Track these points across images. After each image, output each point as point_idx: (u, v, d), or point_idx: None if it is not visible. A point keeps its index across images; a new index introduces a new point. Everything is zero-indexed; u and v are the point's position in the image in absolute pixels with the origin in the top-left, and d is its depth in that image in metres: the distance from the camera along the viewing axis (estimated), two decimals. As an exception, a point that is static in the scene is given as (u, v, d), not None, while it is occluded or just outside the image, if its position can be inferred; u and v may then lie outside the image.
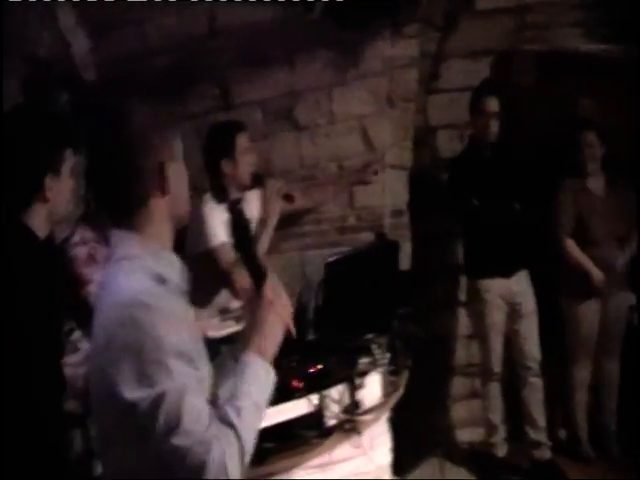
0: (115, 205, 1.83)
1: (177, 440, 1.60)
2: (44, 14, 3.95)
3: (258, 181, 3.77)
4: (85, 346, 2.77)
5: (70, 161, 2.42)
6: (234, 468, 1.65)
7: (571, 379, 4.72)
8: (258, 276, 1.94)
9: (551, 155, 4.86)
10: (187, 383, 1.63)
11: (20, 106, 2.65)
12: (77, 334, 2.89)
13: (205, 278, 3.55)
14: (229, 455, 1.64)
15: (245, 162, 3.73)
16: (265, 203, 3.70)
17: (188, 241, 3.62)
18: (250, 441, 1.70)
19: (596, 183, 4.63)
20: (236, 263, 3.48)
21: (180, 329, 1.67)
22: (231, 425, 1.68)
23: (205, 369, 1.77)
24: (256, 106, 4.44)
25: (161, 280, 1.74)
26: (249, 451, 1.70)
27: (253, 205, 3.86)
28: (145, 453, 1.65)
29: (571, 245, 4.52)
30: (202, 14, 4.42)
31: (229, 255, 3.57)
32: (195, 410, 1.63)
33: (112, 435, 1.72)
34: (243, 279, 3.45)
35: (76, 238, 3.11)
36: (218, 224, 3.63)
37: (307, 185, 4.37)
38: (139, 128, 1.79)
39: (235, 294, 3.58)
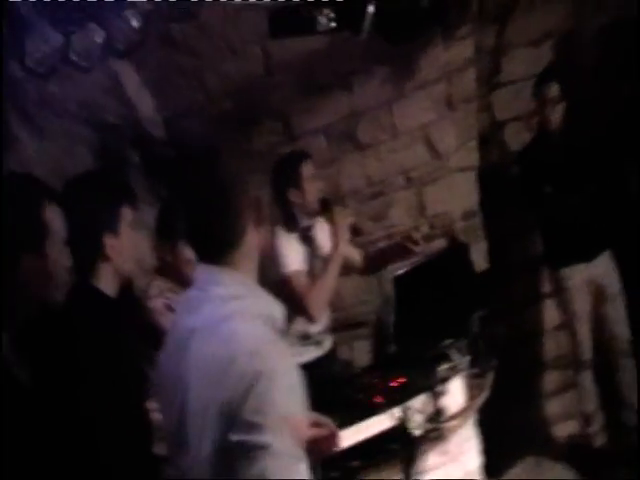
0: (211, 243, 1.83)
1: None
2: (108, 79, 4.15)
3: (326, 206, 3.82)
4: None
5: (128, 217, 2.46)
6: None
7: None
8: None
9: (620, 133, 4.77)
10: (289, 452, 1.63)
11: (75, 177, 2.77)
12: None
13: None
14: None
15: (312, 189, 3.78)
16: (334, 234, 3.70)
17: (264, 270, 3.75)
18: None
19: None
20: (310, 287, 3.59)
21: (296, 384, 1.69)
22: None
23: None
24: (319, 133, 4.60)
25: (271, 320, 1.76)
26: None
27: (324, 232, 3.93)
28: None
29: None
30: (257, 53, 4.62)
31: (303, 281, 3.65)
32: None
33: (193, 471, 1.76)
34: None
35: (153, 290, 3.34)
36: (291, 252, 3.71)
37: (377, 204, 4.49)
38: (230, 166, 1.89)
39: (311, 319, 3.65)
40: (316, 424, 2.19)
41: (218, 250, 1.81)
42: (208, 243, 1.84)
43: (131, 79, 4.34)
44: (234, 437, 1.61)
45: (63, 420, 2.24)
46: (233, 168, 1.87)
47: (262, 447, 1.59)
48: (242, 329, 1.71)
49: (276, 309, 1.81)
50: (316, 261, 3.81)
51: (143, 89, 4.40)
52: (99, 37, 3.03)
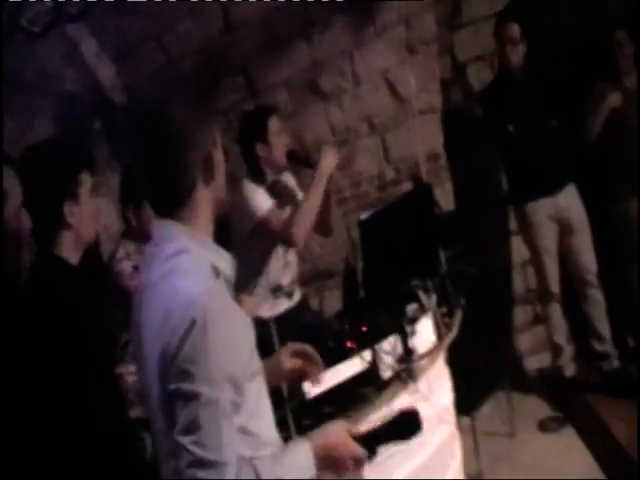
0: (163, 199, 1.87)
1: (191, 445, 1.64)
2: (66, 48, 4.13)
3: (293, 157, 3.85)
4: None
5: (88, 184, 2.43)
6: None
7: (632, 283, 4.70)
8: None
9: (585, 60, 4.78)
10: (221, 404, 1.66)
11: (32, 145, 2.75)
12: (134, 344, 3.16)
13: (256, 256, 3.77)
14: None
15: (279, 143, 3.79)
16: (322, 159, 3.71)
17: (234, 225, 3.76)
18: None
19: (631, 81, 4.54)
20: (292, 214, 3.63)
21: (236, 334, 1.73)
22: (256, 472, 1.72)
23: (255, 380, 1.82)
24: (281, 87, 4.61)
25: (217, 272, 1.80)
26: None
27: (292, 185, 3.97)
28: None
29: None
30: (216, 10, 4.60)
31: (280, 215, 3.67)
32: (219, 429, 1.66)
33: (154, 419, 1.80)
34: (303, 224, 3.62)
35: (120, 253, 3.38)
36: (260, 198, 3.72)
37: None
38: (183, 122, 1.83)
39: (294, 244, 3.66)
40: (301, 354, 2.30)
41: (170, 205, 1.85)
42: (161, 199, 1.88)
43: (89, 45, 4.32)
44: (171, 386, 1.67)
45: (34, 391, 2.25)
46: (182, 123, 1.84)
47: (193, 395, 1.64)
48: (180, 282, 1.74)
49: (222, 260, 1.85)
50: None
51: (102, 55, 4.39)
52: (50, 1, 3.01)
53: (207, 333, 1.65)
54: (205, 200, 1.86)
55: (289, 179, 3.98)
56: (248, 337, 1.81)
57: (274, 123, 3.81)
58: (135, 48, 4.51)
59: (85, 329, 2.40)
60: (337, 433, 1.95)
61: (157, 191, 1.88)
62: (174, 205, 1.84)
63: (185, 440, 1.64)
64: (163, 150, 1.83)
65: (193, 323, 1.66)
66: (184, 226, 1.83)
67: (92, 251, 2.79)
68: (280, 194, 3.86)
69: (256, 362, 1.83)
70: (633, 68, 4.52)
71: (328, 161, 3.70)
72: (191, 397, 1.64)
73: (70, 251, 2.44)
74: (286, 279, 3.81)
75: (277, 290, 3.74)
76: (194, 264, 1.78)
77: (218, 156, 1.88)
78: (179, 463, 1.66)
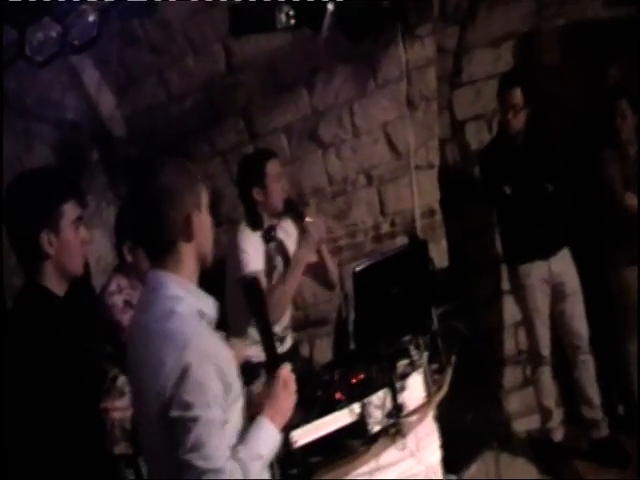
0: (149, 248, 2.15)
1: (197, 460, 1.94)
2: (68, 76, 4.12)
3: (291, 206, 3.83)
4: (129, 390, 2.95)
5: (72, 215, 2.41)
6: None
7: (624, 351, 4.70)
8: (273, 358, 2.35)
9: (587, 128, 4.84)
10: (217, 420, 1.98)
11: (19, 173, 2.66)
12: (122, 379, 3.07)
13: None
14: None
15: (276, 188, 3.78)
16: (301, 239, 3.71)
17: (227, 269, 3.75)
18: None
19: (633, 150, 4.59)
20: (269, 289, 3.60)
21: (222, 366, 2.01)
22: (243, 464, 2.02)
23: (237, 404, 2.10)
24: (280, 132, 4.61)
25: (201, 316, 2.07)
26: None
27: (290, 231, 3.93)
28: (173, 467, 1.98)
29: (630, 196, 4.48)
30: (219, 51, 4.61)
31: (262, 281, 3.59)
32: (216, 442, 1.97)
33: (151, 446, 2.10)
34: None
35: (112, 287, 3.34)
36: (252, 252, 3.70)
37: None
38: (167, 182, 2.07)
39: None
40: None
41: (158, 255, 2.11)
42: (149, 247, 2.15)
43: (91, 75, 4.32)
44: (173, 413, 1.95)
45: (17, 422, 2.25)
46: (168, 184, 2.05)
47: (194, 420, 1.94)
48: (174, 326, 2.00)
49: (208, 305, 2.12)
50: (278, 261, 3.81)
51: (103, 86, 4.39)
52: (54, 31, 2.99)
53: (200, 371, 1.95)
54: (188, 254, 2.10)
55: (288, 224, 3.94)
56: (232, 367, 2.08)
57: (272, 167, 3.80)
58: (137, 82, 4.51)
59: (69, 360, 2.37)
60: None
61: (144, 239, 2.17)
62: (160, 254, 2.10)
63: (192, 457, 1.94)
64: (148, 205, 2.07)
65: (188, 365, 1.94)
66: (173, 274, 2.08)
67: (82, 282, 2.75)
68: (274, 241, 3.82)
69: (238, 388, 2.11)
70: (635, 138, 4.57)
71: (305, 250, 3.68)
72: (192, 420, 1.94)
73: (54, 281, 2.42)
74: (277, 326, 3.75)
75: None
76: (184, 310, 2.03)
77: (202, 218, 2.11)
78: (185, 477, 1.95)
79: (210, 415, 1.95)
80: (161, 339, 1.99)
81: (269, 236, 3.80)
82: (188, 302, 2.05)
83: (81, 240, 2.45)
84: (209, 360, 1.97)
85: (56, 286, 2.42)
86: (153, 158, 2.17)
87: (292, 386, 2.27)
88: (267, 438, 2.14)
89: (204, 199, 2.14)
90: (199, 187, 2.14)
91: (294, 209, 3.81)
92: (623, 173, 4.52)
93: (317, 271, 3.92)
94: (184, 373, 1.94)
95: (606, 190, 4.55)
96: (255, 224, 3.78)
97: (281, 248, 3.88)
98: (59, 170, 3.31)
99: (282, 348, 3.77)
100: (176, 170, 2.11)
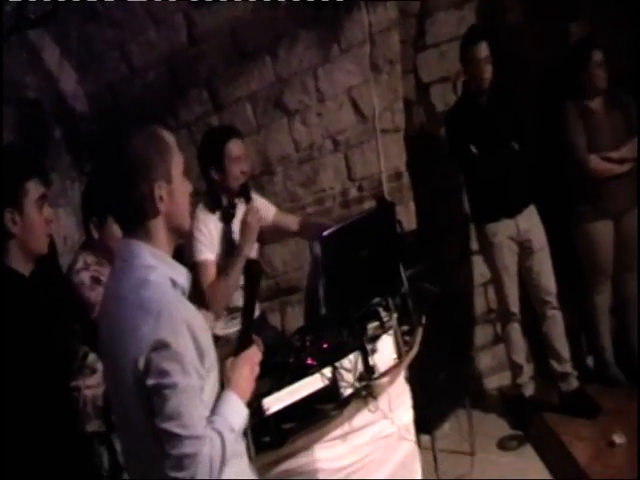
0: (121, 220, 2.14)
1: (176, 428, 1.93)
2: (28, 54, 4.07)
3: (245, 192, 3.74)
4: (101, 367, 2.89)
5: (35, 193, 2.40)
6: (215, 469, 1.99)
7: (592, 303, 4.78)
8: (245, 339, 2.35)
9: (552, 83, 4.85)
10: (194, 387, 1.98)
11: None
12: (92, 357, 3.09)
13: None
14: (214, 455, 1.98)
15: (234, 170, 3.68)
16: (240, 233, 3.65)
17: (185, 250, 3.60)
18: (226, 453, 2.03)
19: (597, 102, 4.63)
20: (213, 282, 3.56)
21: (199, 332, 2.00)
22: (219, 433, 2.02)
23: (212, 373, 2.10)
24: (245, 101, 4.59)
25: (175, 284, 2.06)
26: (225, 461, 2.03)
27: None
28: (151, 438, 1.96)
29: (594, 159, 4.52)
30: (180, 22, 4.57)
31: (211, 272, 3.59)
32: (195, 409, 1.97)
33: (127, 419, 2.06)
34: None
35: (79, 264, 3.32)
36: (204, 238, 3.62)
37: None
38: (131, 154, 2.04)
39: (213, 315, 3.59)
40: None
41: (131, 225, 2.09)
42: (122, 218, 2.13)
43: (51, 52, 4.27)
44: (149, 381, 1.94)
45: None
46: (131, 157, 2.02)
47: (172, 386, 1.93)
48: (148, 295, 1.99)
49: (179, 275, 2.10)
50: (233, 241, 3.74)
51: (64, 62, 4.34)
52: (9, 6, 2.96)
53: (175, 338, 1.94)
54: (158, 225, 2.09)
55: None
56: (206, 336, 2.07)
57: (232, 148, 3.69)
58: (98, 57, 4.46)
59: (37, 340, 2.37)
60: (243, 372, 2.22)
61: (116, 212, 2.15)
62: (133, 225, 2.08)
63: (171, 425, 1.93)
64: (113, 178, 2.06)
65: (163, 333, 1.94)
66: (145, 244, 2.07)
67: (49, 261, 2.74)
68: (231, 221, 3.76)
69: (213, 357, 2.09)
70: (603, 90, 4.58)
71: (244, 240, 3.62)
72: (170, 388, 1.93)
73: (19, 261, 2.40)
74: (242, 300, 3.73)
75: (233, 311, 3.68)
76: (158, 278, 2.02)
77: (173, 188, 2.08)
78: (165, 446, 1.93)
79: (187, 382, 1.95)
80: (136, 308, 1.98)
81: (228, 214, 3.73)
82: (161, 271, 2.04)
83: (45, 219, 2.44)
84: (184, 327, 1.96)
85: (22, 266, 2.41)
86: (122, 129, 2.15)
87: (255, 369, 2.26)
88: (236, 412, 2.13)
89: (176, 169, 2.09)
90: (168, 157, 2.08)
91: (245, 194, 3.74)
92: (589, 131, 4.55)
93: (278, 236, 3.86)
94: (159, 341, 1.93)
95: (569, 151, 4.58)
96: (213, 204, 3.71)
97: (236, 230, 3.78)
98: (21, 149, 3.28)
99: None
100: (142, 141, 2.06)
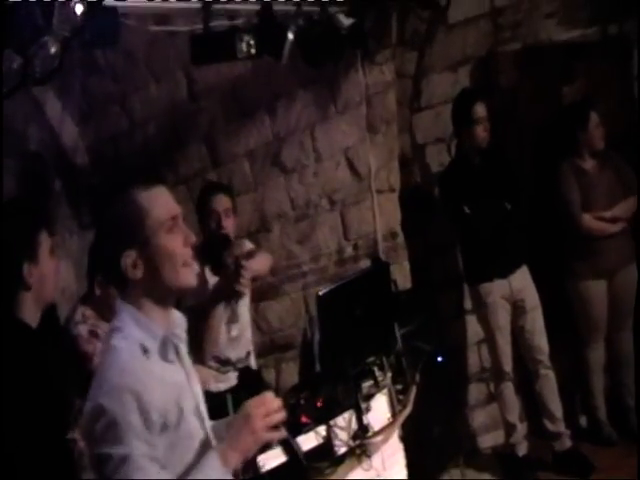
0: (108, 278, 2.12)
1: None
2: (30, 107, 4.13)
3: (225, 245, 3.72)
4: None
5: (47, 244, 2.44)
6: None
7: (586, 362, 4.80)
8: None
9: (547, 144, 4.95)
10: (135, 457, 1.84)
11: None
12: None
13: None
14: None
15: (226, 222, 3.75)
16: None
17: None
18: None
19: (591, 163, 4.71)
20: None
21: (152, 401, 1.89)
22: None
23: (188, 429, 1.99)
24: (243, 158, 4.66)
25: (144, 350, 1.95)
26: None
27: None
28: None
29: (588, 218, 4.59)
30: (181, 78, 4.66)
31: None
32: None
33: None
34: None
35: (77, 317, 3.35)
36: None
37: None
38: (113, 214, 2.01)
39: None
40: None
41: (115, 284, 2.03)
42: (106, 277, 2.21)
43: (53, 106, 4.34)
44: (94, 450, 1.89)
45: None
46: (113, 215, 2.01)
47: (109, 457, 1.85)
48: (107, 359, 1.95)
49: (148, 339, 1.98)
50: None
51: (66, 116, 4.41)
52: (15, 63, 3.00)
53: (116, 406, 1.85)
54: (140, 291, 1.99)
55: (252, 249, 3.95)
56: (170, 401, 1.95)
57: (218, 202, 3.78)
58: (99, 111, 4.53)
59: (40, 392, 2.39)
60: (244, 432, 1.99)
61: (102, 270, 2.22)
62: (118, 285, 2.02)
63: None
64: (100, 237, 2.10)
65: (100, 402, 1.86)
66: (129, 305, 2.00)
67: (49, 313, 2.75)
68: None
69: (175, 417, 1.96)
70: (599, 150, 4.66)
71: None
72: (108, 459, 1.84)
73: (30, 313, 2.43)
74: (235, 354, 3.77)
75: (225, 364, 3.72)
76: (120, 342, 1.95)
77: (155, 248, 1.96)
78: None
79: (125, 452, 1.83)
80: (98, 370, 1.96)
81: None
82: (130, 335, 1.96)
83: (55, 269, 2.49)
84: (128, 396, 1.85)
85: (32, 317, 2.44)
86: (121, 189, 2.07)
87: (259, 423, 1.98)
88: (207, 474, 1.94)
89: (152, 227, 1.97)
90: (138, 219, 1.97)
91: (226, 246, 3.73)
92: (583, 191, 4.63)
93: None
94: (95, 410, 1.86)
95: (563, 210, 4.65)
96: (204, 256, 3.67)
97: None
98: (27, 201, 3.31)
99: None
100: (125, 200, 2.00)
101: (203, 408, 2.11)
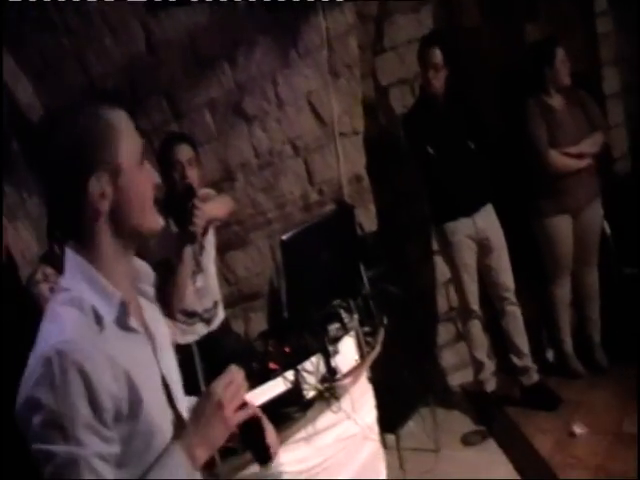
0: (64, 230, 1.73)
1: None
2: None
3: (189, 195, 3.61)
4: None
5: None
6: None
7: (552, 297, 4.87)
8: None
9: (512, 82, 4.93)
10: (84, 454, 1.54)
11: None
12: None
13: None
14: None
15: (190, 173, 3.67)
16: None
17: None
18: None
19: (557, 99, 4.70)
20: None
21: (102, 383, 1.57)
22: None
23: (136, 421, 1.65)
24: (204, 108, 4.60)
25: (97, 317, 1.64)
26: None
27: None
28: None
29: (554, 154, 4.59)
30: (138, 30, 4.57)
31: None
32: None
33: None
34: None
35: (38, 276, 3.32)
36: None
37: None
38: (57, 145, 1.64)
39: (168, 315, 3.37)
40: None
41: (69, 231, 1.71)
42: (59, 224, 1.74)
43: (6, 62, 4.24)
44: (33, 446, 1.55)
45: None
46: (64, 142, 1.65)
47: (49, 456, 1.52)
48: (47, 329, 1.62)
49: (106, 305, 1.67)
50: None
51: (19, 73, 4.32)
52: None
53: (53, 396, 1.52)
54: (101, 231, 1.68)
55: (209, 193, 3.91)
56: (124, 382, 1.62)
57: (181, 153, 3.71)
58: (54, 67, 4.44)
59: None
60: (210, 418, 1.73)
61: (58, 221, 1.73)
62: (71, 232, 1.70)
63: None
64: (47, 174, 1.67)
65: (38, 389, 1.53)
66: (82, 258, 1.68)
67: (8, 274, 2.75)
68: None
69: (128, 402, 1.63)
70: (565, 87, 4.65)
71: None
72: (47, 457, 1.52)
73: None
74: (201, 305, 3.74)
75: (192, 316, 3.71)
76: (68, 307, 1.64)
77: (123, 180, 1.67)
78: None
79: (71, 450, 1.52)
80: (36, 343, 1.60)
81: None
82: (80, 297, 1.64)
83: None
84: (76, 378, 1.53)
85: None
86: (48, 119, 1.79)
87: (230, 407, 1.74)
88: (172, 474, 1.66)
89: (126, 154, 1.68)
90: (112, 142, 1.66)
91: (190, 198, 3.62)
92: (549, 128, 4.63)
93: None
94: (33, 399, 1.53)
95: (530, 146, 4.65)
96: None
97: None
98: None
99: (210, 327, 3.79)
100: (71, 125, 1.65)
101: (176, 385, 1.83)
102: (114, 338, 1.65)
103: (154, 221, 1.76)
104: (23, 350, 2.23)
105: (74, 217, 1.67)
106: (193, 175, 3.69)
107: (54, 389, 1.52)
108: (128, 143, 1.69)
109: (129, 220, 1.70)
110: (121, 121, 1.71)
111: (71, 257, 1.69)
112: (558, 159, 4.59)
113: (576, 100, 4.71)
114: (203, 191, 3.76)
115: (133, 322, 1.71)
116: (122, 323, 1.68)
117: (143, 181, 1.72)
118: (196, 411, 1.74)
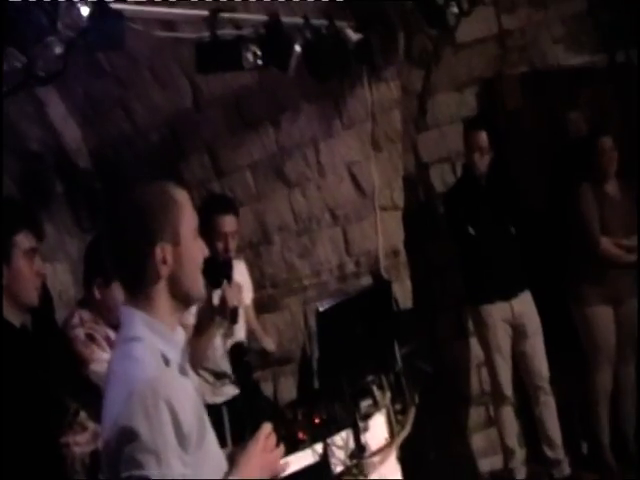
0: (122, 283, 1.93)
1: None
2: (33, 107, 4.08)
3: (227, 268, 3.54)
4: (91, 426, 2.88)
5: (24, 245, 2.41)
6: None
7: (594, 387, 4.72)
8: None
9: (562, 166, 4.92)
10: (173, 476, 1.71)
11: None
12: (84, 414, 3.01)
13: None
14: None
15: (227, 239, 3.69)
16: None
17: None
18: None
19: (612, 186, 4.68)
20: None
21: (183, 414, 1.76)
22: None
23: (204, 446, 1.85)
24: (246, 169, 4.61)
25: (166, 361, 1.83)
26: None
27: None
28: None
29: (606, 241, 4.54)
30: (186, 86, 4.62)
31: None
32: None
33: None
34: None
35: (75, 320, 3.25)
36: None
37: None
38: (131, 213, 1.86)
39: None
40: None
41: (131, 289, 1.91)
42: (123, 282, 1.93)
43: (56, 107, 4.29)
44: (123, 472, 1.71)
45: None
46: (134, 213, 1.88)
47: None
48: (129, 371, 1.80)
49: (173, 349, 1.89)
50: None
51: (69, 118, 4.36)
52: (19, 62, 2.96)
53: (148, 425, 1.71)
54: (160, 292, 1.89)
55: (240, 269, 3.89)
56: (195, 409, 1.85)
57: (227, 224, 3.72)
58: (102, 115, 4.48)
59: (26, 391, 2.34)
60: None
61: (117, 274, 1.95)
62: (133, 290, 1.90)
63: None
64: (116, 238, 1.90)
65: (133, 420, 1.71)
66: (143, 313, 1.87)
67: (45, 315, 2.73)
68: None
69: (203, 427, 1.87)
70: (614, 174, 4.63)
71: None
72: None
73: (10, 312, 2.41)
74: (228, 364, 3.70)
75: (221, 377, 3.66)
76: (142, 353, 1.83)
77: (181, 250, 1.87)
78: None
79: (163, 473, 1.69)
80: (119, 382, 1.80)
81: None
82: (150, 344, 1.83)
83: (36, 271, 2.46)
84: (161, 410, 1.72)
85: (12, 316, 2.41)
86: (128, 184, 2.03)
87: (273, 455, 1.95)
88: None
89: (186, 229, 1.88)
90: (176, 215, 1.86)
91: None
92: (602, 214, 4.59)
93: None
94: (128, 429, 1.71)
95: (580, 229, 4.61)
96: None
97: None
98: (12, 201, 3.26)
99: (238, 389, 3.73)
100: (144, 198, 1.88)
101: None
102: (179, 378, 1.86)
103: (202, 288, 1.98)
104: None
105: (137, 279, 1.89)
106: (234, 246, 3.70)
107: (149, 419, 1.71)
108: (188, 218, 1.91)
109: (184, 285, 1.91)
110: (184, 199, 1.93)
111: (131, 312, 1.89)
112: (610, 247, 4.55)
113: (630, 189, 4.68)
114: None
115: (187, 367, 1.94)
116: (182, 367, 1.90)
117: (197, 252, 1.94)
118: (243, 450, 1.93)
